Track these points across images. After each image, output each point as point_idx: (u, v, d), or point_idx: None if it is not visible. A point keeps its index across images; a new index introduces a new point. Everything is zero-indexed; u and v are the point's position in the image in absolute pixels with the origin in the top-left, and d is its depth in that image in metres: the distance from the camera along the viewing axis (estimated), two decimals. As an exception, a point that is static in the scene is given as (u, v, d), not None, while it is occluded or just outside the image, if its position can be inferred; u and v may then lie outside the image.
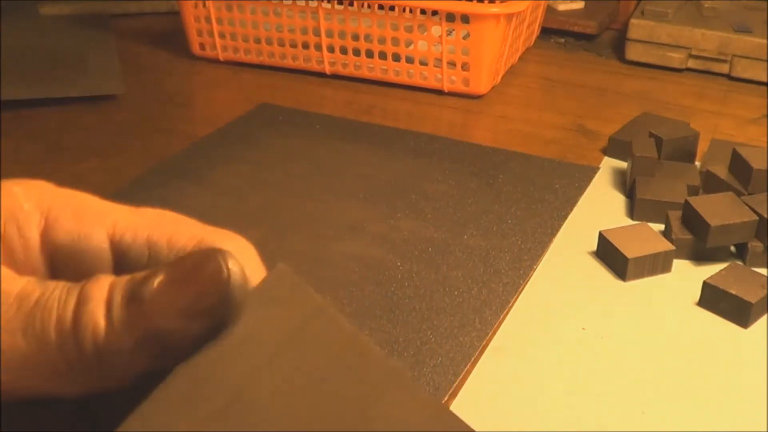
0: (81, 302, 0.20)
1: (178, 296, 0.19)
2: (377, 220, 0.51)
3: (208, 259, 0.19)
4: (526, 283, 0.46)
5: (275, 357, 0.19)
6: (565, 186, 0.55)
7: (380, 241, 0.48)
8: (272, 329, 0.20)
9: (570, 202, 0.53)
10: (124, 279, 0.20)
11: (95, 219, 0.22)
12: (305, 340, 0.20)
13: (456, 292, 0.44)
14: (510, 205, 0.53)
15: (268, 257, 0.51)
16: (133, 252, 0.22)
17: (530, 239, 0.49)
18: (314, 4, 0.70)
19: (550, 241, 0.49)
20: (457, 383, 0.38)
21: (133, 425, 0.18)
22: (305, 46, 0.73)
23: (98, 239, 0.22)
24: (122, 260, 0.22)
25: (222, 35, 0.75)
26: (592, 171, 0.57)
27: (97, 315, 0.19)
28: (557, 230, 0.50)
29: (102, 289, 0.20)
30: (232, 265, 0.19)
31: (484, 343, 0.41)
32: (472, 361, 0.40)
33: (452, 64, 0.69)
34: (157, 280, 0.19)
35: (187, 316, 0.19)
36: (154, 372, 0.19)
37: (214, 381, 0.19)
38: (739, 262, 0.46)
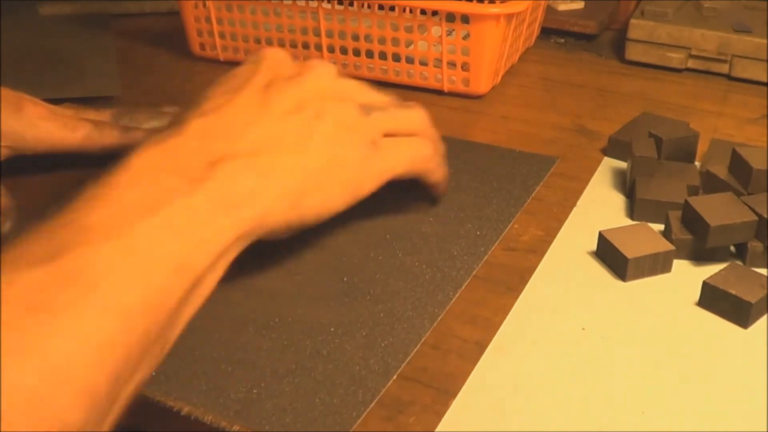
0: None
1: None
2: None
3: None
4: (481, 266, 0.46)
5: None
6: (524, 175, 0.57)
7: (340, 229, 0.49)
8: None
9: (528, 191, 0.55)
10: None
11: None
12: None
13: (410, 277, 0.46)
14: (469, 194, 0.54)
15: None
16: None
17: (486, 226, 0.50)
18: (314, 4, 0.70)
19: (505, 227, 0.51)
20: (406, 363, 0.40)
21: None
22: (305, 46, 0.73)
23: None
24: None
25: (222, 35, 0.75)
26: (551, 161, 0.59)
27: None
28: (513, 216, 0.52)
29: None
30: None
31: (435, 324, 0.42)
32: (422, 341, 0.41)
33: (452, 64, 0.69)
34: None
35: None
36: None
37: None
38: (739, 262, 0.46)
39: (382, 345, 0.40)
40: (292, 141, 0.40)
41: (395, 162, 0.45)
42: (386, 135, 0.45)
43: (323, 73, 0.43)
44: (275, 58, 0.44)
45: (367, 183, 0.43)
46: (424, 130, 0.47)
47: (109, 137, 0.54)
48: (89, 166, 0.55)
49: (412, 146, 0.46)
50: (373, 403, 0.37)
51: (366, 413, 0.37)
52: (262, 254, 0.46)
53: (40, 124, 0.52)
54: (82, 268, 0.29)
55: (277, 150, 0.39)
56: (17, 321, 0.27)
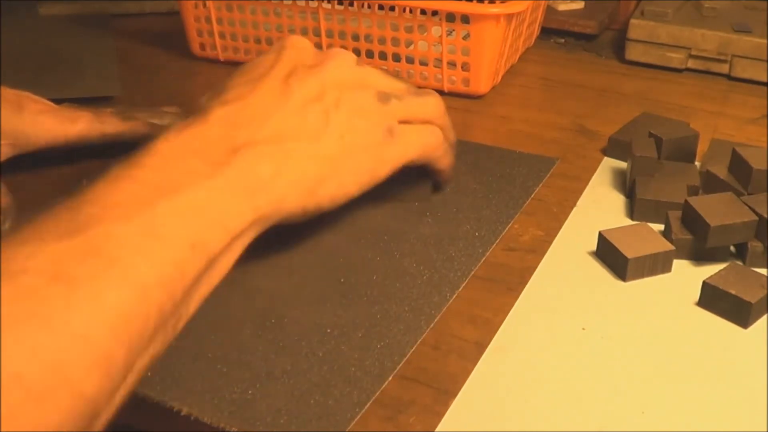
0: None
1: None
2: (337, 210, 0.51)
3: None
4: (477, 267, 0.47)
5: None
6: (523, 176, 0.57)
7: (338, 230, 0.50)
8: None
9: (527, 192, 0.55)
10: None
11: None
12: None
13: (408, 278, 0.46)
14: (468, 195, 0.54)
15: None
16: None
17: (484, 227, 0.50)
18: (314, 4, 0.70)
19: (504, 228, 0.50)
20: (407, 363, 0.40)
21: None
22: (305, 46, 0.73)
23: None
24: None
25: (222, 35, 0.75)
26: (551, 162, 0.59)
27: None
28: (512, 218, 0.52)
29: None
30: None
31: (432, 324, 0.42)
32: (419, 342, 0.41)
33: (452, 64, 0.69)
34: None
35: None
36: None
37: None
38: (739, 262, 0.46)
39: (378, 346, 0.40)
40: (311, 129, 0.42)
41: (408, 148, 0.47)
42: (401, 122, 0.46)
43: (343, 61, 0.45)
44: (297, 46, 0.45)
45: (381, 168, 0.45)
46: (437, 117, 0.49)
47: (109, 124, 0.56)
48: (88, 162, 0.55)
49: (424, 133, 0.48)
50: (369, 404, 0.37)
51: (364, 414, 0.37)
52: (262, 251, 0.46)
53: (41, 119, 0.53)
54: (103, 242, 0.31)
55: (296, 138, 0.41)
56: (40, 290, 0.28)
